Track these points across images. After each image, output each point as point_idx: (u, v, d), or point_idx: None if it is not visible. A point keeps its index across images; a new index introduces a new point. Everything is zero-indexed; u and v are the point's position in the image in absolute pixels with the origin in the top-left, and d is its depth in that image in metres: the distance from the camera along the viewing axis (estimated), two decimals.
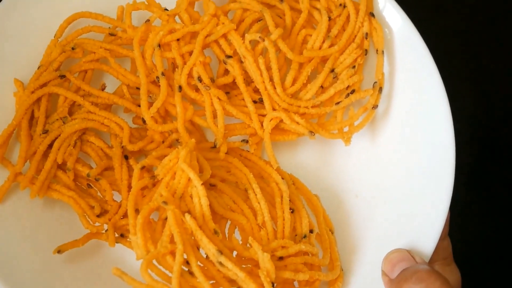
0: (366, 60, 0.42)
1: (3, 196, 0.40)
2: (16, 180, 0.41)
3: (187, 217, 0.35)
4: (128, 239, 0.41)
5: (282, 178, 0.40)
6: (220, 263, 0.34)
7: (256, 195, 0.38)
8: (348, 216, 0.43)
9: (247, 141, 0.42)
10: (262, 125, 0.41)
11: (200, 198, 0.35)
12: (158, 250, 0.34)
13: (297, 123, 0.40)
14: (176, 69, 0.41)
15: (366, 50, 0.41)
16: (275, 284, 0.35)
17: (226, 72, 0.41)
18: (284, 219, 0.39)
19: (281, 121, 0.41)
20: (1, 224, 0.40)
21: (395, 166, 0.43)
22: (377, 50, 0.42)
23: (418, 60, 0.41)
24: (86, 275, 0.41)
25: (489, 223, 0.57)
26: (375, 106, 0.41)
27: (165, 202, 0.35)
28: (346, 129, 0.41)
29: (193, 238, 0.35)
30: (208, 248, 0.34)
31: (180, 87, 0.40)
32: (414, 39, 0.41)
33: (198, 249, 0.35)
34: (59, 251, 0.39)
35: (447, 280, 0.35)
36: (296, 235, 0.39)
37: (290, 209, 0.39)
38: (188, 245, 0.34)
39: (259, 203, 0.38)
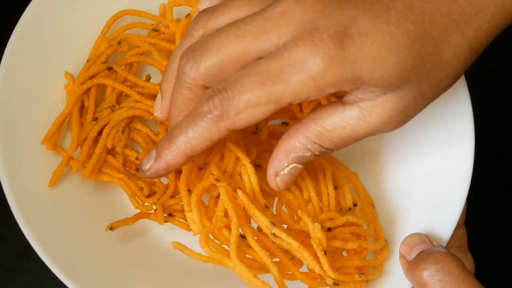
0: None
1: (57, 179, 0.43)
2: (68, 165, 0.44)
3: (239, 193, 0.36)
4: (176, 218, 0.43)
5: None
6: (274, 234, 0.36)
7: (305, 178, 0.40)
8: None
9: (287, 124, 0.44)
10: (300, 108, 0.43)
11: (249, 175, 0.37)
12: (214, 224, 0.36)
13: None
14: None
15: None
16: (326, 253, 0.36)
17: None
18: (328, 194, 0.41)
19: (319, 104, 0.43)
20: (54, 207, 0.43)
21: (417, 157, 0.45)
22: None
23: None
24: (137, 255, 0.44)
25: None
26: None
27: (217, 180, 0.37)
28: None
29: (245, 213, 0.37)
30: (261, 220, 0.36)
31: None
32: None
33: (250, 223, 0.37)
34: (111, 228, 0.41)
35: (462, 262, 0.37)
36: (341, 209, 0.41)
37: (333, 185, 0.41)
38: (241, 218, 0.36)
39: (303, 180, 0.40)
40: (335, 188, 0.41)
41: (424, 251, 0.38)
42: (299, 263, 0.37)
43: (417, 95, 0.33)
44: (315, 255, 0.36)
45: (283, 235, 0.36)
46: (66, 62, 0.47)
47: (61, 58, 0.47)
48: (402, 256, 0.40)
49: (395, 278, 0.41)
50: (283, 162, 0.35)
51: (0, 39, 0.47)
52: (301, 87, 0.31)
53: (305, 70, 0.31)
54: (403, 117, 0.34)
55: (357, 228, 0.40)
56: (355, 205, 0.42)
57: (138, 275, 0.42)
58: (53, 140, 0.44)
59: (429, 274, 0.37)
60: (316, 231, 0.37)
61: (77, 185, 0.44)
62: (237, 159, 0.38)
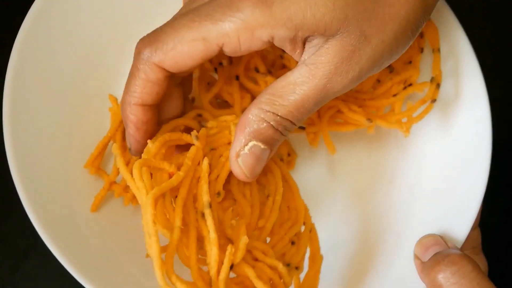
0: (425, 59, 0.44)
1: (99, 204, 0.43)
2: (110, 189, 0.44)
3: (206, 161, 0.34)
4: None
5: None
6: (203, 215, 0.33)
7: (273, 205, 0.37)
8: (384, 201, 0.45)
9: (304, 128, 0.43)
10: (319, 114, 0.43)
11: (227, 160, 0.35)
12: (164, 184, 0.32)
13: (355, 111, 0.41)
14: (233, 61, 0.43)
15: (421, 48, 0.43)
16: (233, 267, 0.33)
17: (284, 66, 0.43)
18: (280, 242, 0.37)
19: (338, 111, 0.42)
20: (97, 231, 0.42)
21: (432, 157, 0.44)
22: (433, 49, 0.43)
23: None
24: None
25: None
26: (433, 100, 0.42)
27: (197, 137, 0.35)
28: (404, 120, 0.42)
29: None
30: (202, 195, 0.33)
31: (237, 77, 0.42)
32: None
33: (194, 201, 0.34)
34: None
35: (477, 265, 0.36)
36: (284, 261, 0.37)
37: (292, 242, 0.37)
38: (187, 180, 0.33)
39: (270, 212, 0.37)
40: (292, 243, 0.37)
41: (439, 253, 0.37)
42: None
43: (360, 37, 0.31)
44: (220, 261, 0.32)
45: (209, 220, 0.32)
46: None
47: (105, 81, 0.46)
48: (416, 257, 0.39)
49: (407, 279, 0.40)
50: (240, 140, 0.33)
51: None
52: (230, 26, 0.31)
53: (234, 10, 0.31)
54: (351, 65, 0.32)
55: (278, 278, 0.35)
56: (297, 268, 0.37)
57: None
58: (96, 164, 0.44)
59: (444, 276, 0.36)
60: (241, 241, 0.33)
61: (119, 209, 0.44)
62: (229, 143, 0.36)
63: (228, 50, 0.33)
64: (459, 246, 0.40)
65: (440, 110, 0.44)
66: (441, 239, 0.39)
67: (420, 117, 0.42)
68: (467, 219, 0.40)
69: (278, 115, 0.32)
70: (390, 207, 0.45)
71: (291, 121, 0.33)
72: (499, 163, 0.46)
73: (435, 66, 0.42)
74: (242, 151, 0.33)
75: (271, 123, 0.32)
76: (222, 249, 0.32)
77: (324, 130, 0.42)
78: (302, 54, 0.33)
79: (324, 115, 0.42)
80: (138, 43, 0.34)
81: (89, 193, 0.42)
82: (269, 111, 0.32)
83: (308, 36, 0.32)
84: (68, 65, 0.44)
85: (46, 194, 0.40)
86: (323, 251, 0.38)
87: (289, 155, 0.45)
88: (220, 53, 0.33)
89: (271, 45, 0.33)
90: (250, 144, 0.33)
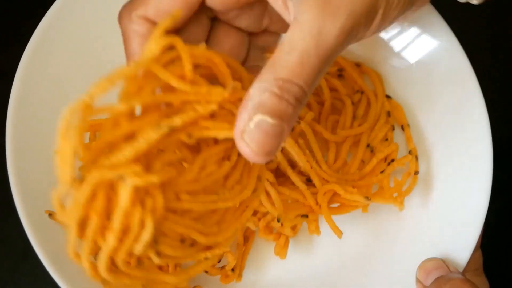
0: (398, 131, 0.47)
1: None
2: None
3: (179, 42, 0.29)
4: None
5: None
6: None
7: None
8: (387, 225, 0.45)
9: (307, 216, 0.43)
10: (316, 202, 0.43)
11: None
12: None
13: (351, 192, 0.42)
14: None
15: (392, 125, 0.46)
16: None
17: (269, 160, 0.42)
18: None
19: (334, 194, 0.43)
20: None
21: (435, 180, 0.45)
22: (401, 126, 0.46)
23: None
24: None
25: None
26: (416, 172, 0.44)
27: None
28: (394, 195, 0.44)
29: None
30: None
31: None
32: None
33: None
34: None
35: None
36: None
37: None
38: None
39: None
40: None
41: (441, 277, 0.38)
42: None
43: None
44: None
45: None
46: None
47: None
48: (418, 281, 0.39)
49: None
50: (244, 116, 0.28)
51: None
52: None
53: None
54: (336, 5, 0.28)
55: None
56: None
57: None
58: None
59: None
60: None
61: None
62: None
63: None
64: (462, 269, 0.40)
65: (443, 139, 0.45)
66: (443, 263, 0.39)
67: (409, 190, 0.44)
68: (469, 242, 0.41)
69: (279, 79, 0.28)
70: (393, 231, 0.45)
71: (297, 84, 0.28)
72: (501, 183, 0.47)
73: (408, 140, 0.45)
74: (247, 127, 0.28)
75: (274, 89, 0.28)
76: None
77: (327, 216, 0.42)
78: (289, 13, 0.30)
79: (322, 201, 0.43)
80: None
81: None
82: (269, 78, 0.28)
83: None
84: (70, 90, 0.44)
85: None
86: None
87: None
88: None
89: None
90: (255, 118, 0.28)
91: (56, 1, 0.45)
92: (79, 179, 0.28)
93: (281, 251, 0.45)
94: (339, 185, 0.42)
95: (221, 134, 0.30)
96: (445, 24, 0.44)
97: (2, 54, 0.62)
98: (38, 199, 0.42)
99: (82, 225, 0.28)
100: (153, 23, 0.31)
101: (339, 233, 0.42)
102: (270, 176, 0.42)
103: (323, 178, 0.43)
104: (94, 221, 0.28)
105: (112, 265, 0.29)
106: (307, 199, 0.43)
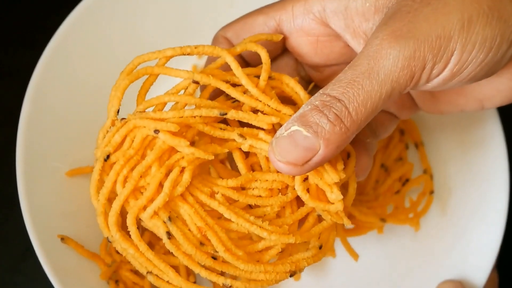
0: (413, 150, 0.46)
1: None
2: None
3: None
4: None
5: None
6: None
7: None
8: (404, 246, 0.45)
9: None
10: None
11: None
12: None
13: (366, 213, 0.42)
14: None
15: (406, 144, 0.45)
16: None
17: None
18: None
19: (349, 216, 0.41)
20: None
21: (451, 200, 0.45)
22: (416, 145, 0.46)
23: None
24: None
25: None
26: (432, 191, 0.44)
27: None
28: (410, 215, 0.44)
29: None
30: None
31: None
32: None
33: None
34: None
35: None
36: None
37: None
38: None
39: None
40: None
41: None
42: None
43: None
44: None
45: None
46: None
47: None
48: None
49: None
50: (284, 125, 0.28)
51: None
52: (287, 2, 0.33)
53: None
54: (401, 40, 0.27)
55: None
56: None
57: None
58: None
59: None
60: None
61: None
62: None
63: (285, 27, 0.33)
64: None
65: (458, 156, 0.45)
66: (460, 285, 0.40)
67: (425, 210, 0.44)
68: (486, 263, 0.42)
69: (326, 94, 0.27)
70: (409, 252, 0.45)
71: (339, 100, 0.27)
72: None
73: (423, 159, 0.45)
74: (280, 134, 0.28)
75: (316, 103, 0.27)
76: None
77: (343, 238, 0.42)
78: (357, 39, 0.31)
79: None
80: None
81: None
82: (319, 93, 0.28)
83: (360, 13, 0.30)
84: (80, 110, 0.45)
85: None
86: None
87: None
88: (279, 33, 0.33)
89: (324, 24, 0.32)
90: (292, 128, 0.28)
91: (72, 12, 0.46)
92: (124, 121, 0.31)
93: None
94: (353, 206, 0.42)
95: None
96: None
97: (2, 54, 0.62)
98: (49, 219, 0.42)
99: (109, 164, 0.31)
100: (230, 43, 0.34)
101: (355, 256, 0.42)
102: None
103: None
104: (119, 164, 0.30)
105: (124, 230, 0.31)
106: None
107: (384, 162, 0.45)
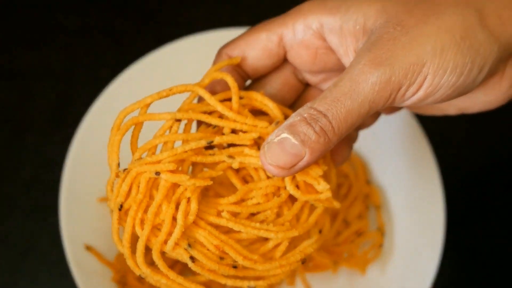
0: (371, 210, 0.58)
1: None
2: None
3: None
4: None
5: None
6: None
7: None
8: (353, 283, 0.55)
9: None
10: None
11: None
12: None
13: (323, 256, 0.53)
14: None
15: (367, 205, 0.57)
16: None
17: None
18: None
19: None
20: None
21: (394, 252, 0.56)
22: (376, 207, 0.57)
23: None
24: None
25: None
26: (380, 245, 0.55)
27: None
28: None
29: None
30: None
31: None
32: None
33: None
34: None
35: None
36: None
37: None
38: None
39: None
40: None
41: None
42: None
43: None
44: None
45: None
46: None
47: None
48: None
49: None
50: (275, 132, 0.31)
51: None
52: (288, 17, 0.35)
53: (295, 8, 0.36)
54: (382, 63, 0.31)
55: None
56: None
57: None
58: None
59: None
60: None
61: None
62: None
63: (286, 41, 0.35)
64: None
65: (405, 220, 0.56)
66: None
67: (373, 258, 0.55)
68: None
69: (313, 108, 0.31)
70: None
71: (325, 116, 0.30)
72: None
73: (379, 219, 0.57)
74: (271, 139, 0.31)
75: (305, 115, 0.31)
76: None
77: (301, 273, 0.53)
78: (347, 56, 0.34)
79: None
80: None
81: None
82: (306, 107, 0.31)
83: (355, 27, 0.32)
84: None
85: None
86: None
87: None
88: (281, 49, 0.35)
89: (321, 39, 0.34)
90: (282, 135, 0.31)
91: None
92: (126, 171, 0.33)
93: None
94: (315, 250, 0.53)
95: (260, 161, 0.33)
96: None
97: (3, 54, 0.64)
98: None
99: (124, 212, 0.33)
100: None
101: (308, 286, 0.53)
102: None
103: None
104: (133, 210, 0.33)
105: (151, 264, 0.33)
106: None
107: (346, 217, 0.57)
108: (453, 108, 0.36)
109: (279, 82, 0.38)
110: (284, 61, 0.37)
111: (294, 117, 0.31)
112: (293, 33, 0.35)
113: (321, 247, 0.54)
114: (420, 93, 0.31)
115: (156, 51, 0.57)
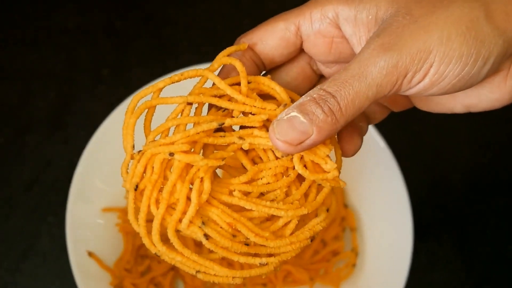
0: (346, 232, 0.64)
1: None
2: None
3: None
4: None
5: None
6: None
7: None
8: None
9: (265, 285, 0.59)
10: (276, 275, 0.59)
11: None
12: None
13: (301, 272, 0.59)
14: None
15: (344, 227, 0.62)
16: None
17: None
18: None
19: (289, 273, 0.59)
20: None
21: (365, 271, 0.61)
22: (351, 229, 0.62)
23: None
24: None
25: None
26: (353, 264, 0.61)
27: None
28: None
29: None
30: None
31: None
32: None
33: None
34: None
35: None
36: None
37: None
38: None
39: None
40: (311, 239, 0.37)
41: None
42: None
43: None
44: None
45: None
46: None
47: None
48: None
49: None
50: (284, 111, 0.32)
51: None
52: (305, 7, 0.36)
53: None
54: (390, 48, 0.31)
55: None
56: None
57: None
58: None
59: None
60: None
61: None
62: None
63: (303, 30, 0.36)
64: None
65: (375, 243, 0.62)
66: None
67: (346, 276, 0.60)
68: None
69: (322, 89, 0.32)
70: None
71: (333, 97, 0.31)
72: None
73: (354, 241, 0.62)
74: (281, 117, 0.32)
75: (314, 95, 0.31)
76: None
77: (280, 287, 0.59)
78: (360, 46, 0.34)
79: (279, 276, 0.59)
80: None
81: None
82: (317, 88, 0.32)
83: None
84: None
85: None
86: None
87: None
88: (298, 39, 0.36)
89: (337, 27, 0.35)
90: (291, 113, 0.32)
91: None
92: (141, 153, 0.34)
93: None
94: (293, 266, 0.59)
95: (270, 141, 0.34)
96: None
97: (3, 54, 0.65)
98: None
99: (139, 192, 0.34)
100: (253, 51, 0.37)
101: None
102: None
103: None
104: (148, 189, 0.33)
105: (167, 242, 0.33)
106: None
107: (324, 238, 0.62)
108: (460, 105, 0.36)
109: (294, 71, 0.39)
110: (299, 52, 0.38)
111: (304, 97, 0.32)
112: (310, 22, 0.36)
113: (299, 264, 0.60)
114: (426, 81, 0.32)
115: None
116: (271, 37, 0.37)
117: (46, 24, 0.65)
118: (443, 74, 0.31)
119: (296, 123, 0.31)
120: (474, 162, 0.67)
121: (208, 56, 0.59)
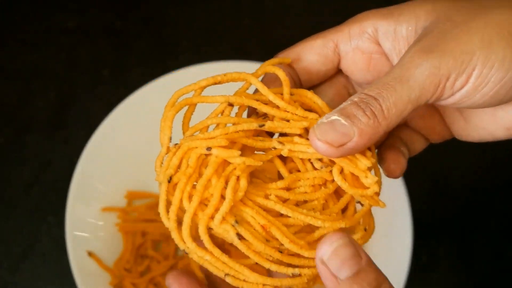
0: None
1: None
2: None
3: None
4: None
5: None
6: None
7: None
8: None
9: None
10: None
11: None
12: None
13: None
14: None
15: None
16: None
17: None
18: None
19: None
20: None
21: None
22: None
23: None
24: None
25: None
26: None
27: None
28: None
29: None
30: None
31: None
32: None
33: None
34: None
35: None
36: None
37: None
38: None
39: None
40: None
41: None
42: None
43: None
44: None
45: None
46: None
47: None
48: (325, 265, 0.30)
49: None
50: (325, 115, 0.31)
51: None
52: (344, 25, 0.36)
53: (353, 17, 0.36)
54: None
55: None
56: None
57: None
58: None
59: None
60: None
61: None
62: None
63: (341, 47, 0.36)
64: None
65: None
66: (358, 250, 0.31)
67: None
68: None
69: (364, 93, 0.31)
70: None
71: (375, 99, 0.30)
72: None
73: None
74: (322, 121, 0.31)
75: (355, 99, 0.31)
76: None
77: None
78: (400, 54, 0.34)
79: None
80: None
81: None
82: (358, 92, 0.31)
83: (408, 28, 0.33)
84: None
85: None
86: None
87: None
88: (336, 56, 0.36)
89: (376, 43, 0.35)
90: (332, 117, 0.31)
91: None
92: (177, 146, 0.33)
93: None
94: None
95: (310, 149, 0.33)
96: None
97: (3, 54, 0.65)
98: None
99: (172, 186, 0.32)
100: (291, 67, 0.37)
101: None
102: None
103: None
104: (182, 182, 0.32)
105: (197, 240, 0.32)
106: None
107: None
108: (502, 128, 0.35)
109: (330, 92, 0.39)
110: (336, 72, 0.38)
111: (345, 102, 0.31)
112: (349, 39, 0.35)
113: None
114: (469, 85, 0.31)
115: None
116: (309, 53, 0.36)
117: (46, 24, 0.65)
118: (486, 78, 0.31)
119: (337, 125, 0.30)
120: (475, 163, 0.67)
121: (208, 56, 0.60)
